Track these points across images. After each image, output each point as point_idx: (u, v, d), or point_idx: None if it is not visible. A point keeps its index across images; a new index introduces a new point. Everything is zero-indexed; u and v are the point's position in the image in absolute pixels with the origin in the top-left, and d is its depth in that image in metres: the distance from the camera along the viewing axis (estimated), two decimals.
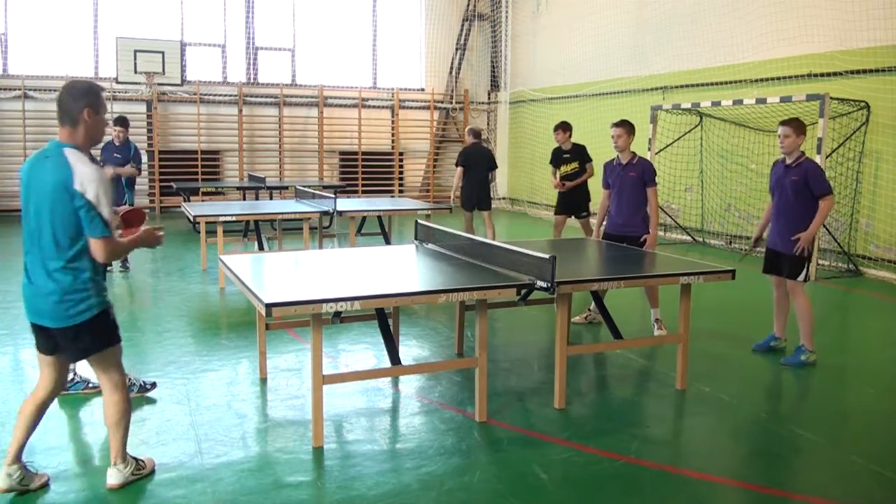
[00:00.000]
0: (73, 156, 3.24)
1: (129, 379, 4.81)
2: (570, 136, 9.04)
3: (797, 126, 5.61)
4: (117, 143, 8.74)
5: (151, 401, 4.78)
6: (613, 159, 6.58)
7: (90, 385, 4.91)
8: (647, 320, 6.61)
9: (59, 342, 3.38)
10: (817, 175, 5.56)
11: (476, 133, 10.19)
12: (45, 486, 3.57)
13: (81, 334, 3.34)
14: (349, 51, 17.37)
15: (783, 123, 5.66)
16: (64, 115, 3.29)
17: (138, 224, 3.70)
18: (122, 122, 8.75)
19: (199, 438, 4.18)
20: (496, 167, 10.42)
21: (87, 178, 3.19)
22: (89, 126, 3.32)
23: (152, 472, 3.70)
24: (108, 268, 8.57)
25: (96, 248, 3.25)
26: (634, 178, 6.37)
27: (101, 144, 8.47)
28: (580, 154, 8.91)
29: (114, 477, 3.55)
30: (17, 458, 3.51)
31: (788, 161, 5.67)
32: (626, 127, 6.41)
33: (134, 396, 4.79)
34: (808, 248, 5.60)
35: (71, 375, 4.94)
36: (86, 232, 3.23)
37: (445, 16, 18.04)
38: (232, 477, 3.72)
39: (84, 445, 4.21)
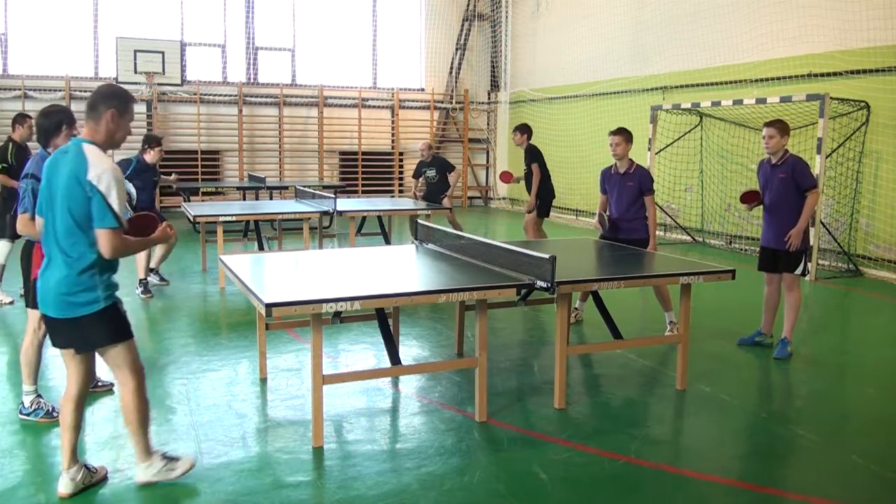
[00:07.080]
0: (91, 150, 3.29)
1: (40, 402, 4.48)
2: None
3: (781, 127, 5.75)
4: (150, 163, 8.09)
5: (151, 401, 4.76)
6: (611, 166, 6.48)
7: (99, 384, 4.87)
8: (647, 320, 6.61)
9: (64, 334, 3.39)
10: (803, 169, 5.69)
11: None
12: (104, 480, 3.62)
13: (84, 327, 3.33)
14: (349, 51, 17.38)
15: (768, 125, 5.79)
16: (89, 112, 3.38)
17: (151, 231, 3.68)
18: (156, 141, 8.09)
19: (199, 438, 4.18)
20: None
21: (102, 171, 3.22)
22: (111, 128, 3.39)
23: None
24: (145, 284, 7.91)
25: (103, 239, 3.23)
26: (633, 187, 6.29)
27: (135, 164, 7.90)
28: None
29: (144, 473, 3.57)
30: (75, 459, 3.52)
31: (774, 160, 5.79)
32: (625, 135, 6.31)
33: (39, 421, 4.41)
34: (805, 243, 5.69)
35: None
36: (94, 224, 3.23)
37: (445, 16, 18.04)
38: (232, 477, 3.72)
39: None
